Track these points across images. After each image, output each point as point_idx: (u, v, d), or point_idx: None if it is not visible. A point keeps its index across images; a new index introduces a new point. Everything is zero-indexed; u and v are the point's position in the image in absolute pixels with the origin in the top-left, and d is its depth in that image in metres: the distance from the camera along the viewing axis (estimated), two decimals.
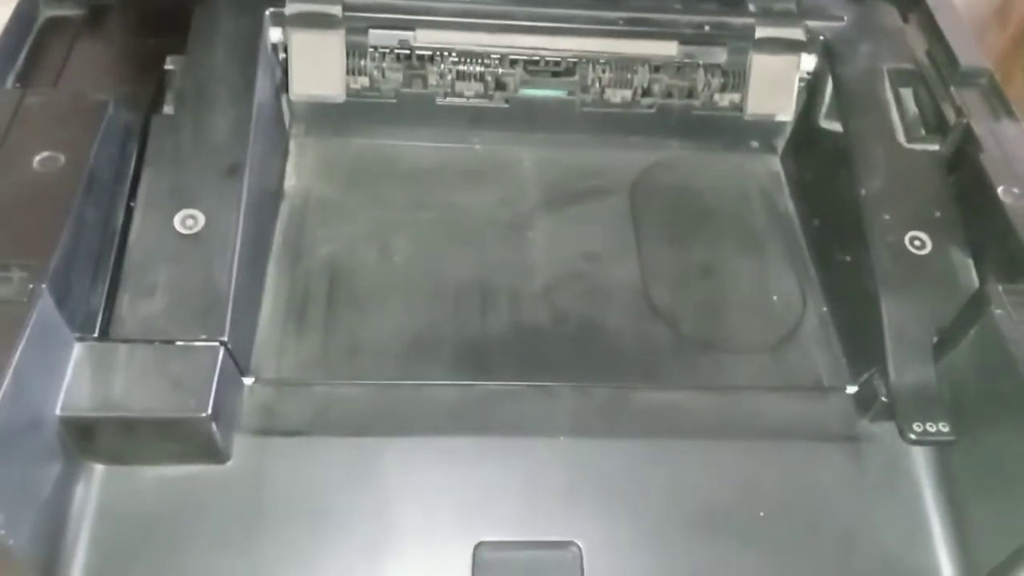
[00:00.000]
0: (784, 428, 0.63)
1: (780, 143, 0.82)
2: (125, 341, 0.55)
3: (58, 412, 0.52)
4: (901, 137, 0.71)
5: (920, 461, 0.61)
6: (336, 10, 0.73)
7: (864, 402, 0.63)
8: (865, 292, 0.64)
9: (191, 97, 0.66)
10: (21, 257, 0.52)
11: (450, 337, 0.66)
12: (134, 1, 0.75)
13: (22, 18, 0.72)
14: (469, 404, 0.62)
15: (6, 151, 0.58)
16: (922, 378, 0.60)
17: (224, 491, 0.57)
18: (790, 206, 0.79)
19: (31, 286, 0.51)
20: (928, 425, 0.59)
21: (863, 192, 0.67)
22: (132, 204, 0.62)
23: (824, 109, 0.77)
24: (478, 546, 0.57)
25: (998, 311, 0.57)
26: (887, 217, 0.66)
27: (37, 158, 0.58)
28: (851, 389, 0.64)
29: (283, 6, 0.73)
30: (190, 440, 0.55)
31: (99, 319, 0.57)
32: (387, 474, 0.58)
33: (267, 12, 0.73)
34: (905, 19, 0.81)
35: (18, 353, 0.48)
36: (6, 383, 0.47)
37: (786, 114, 0.80)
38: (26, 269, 0.52)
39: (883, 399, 0.61)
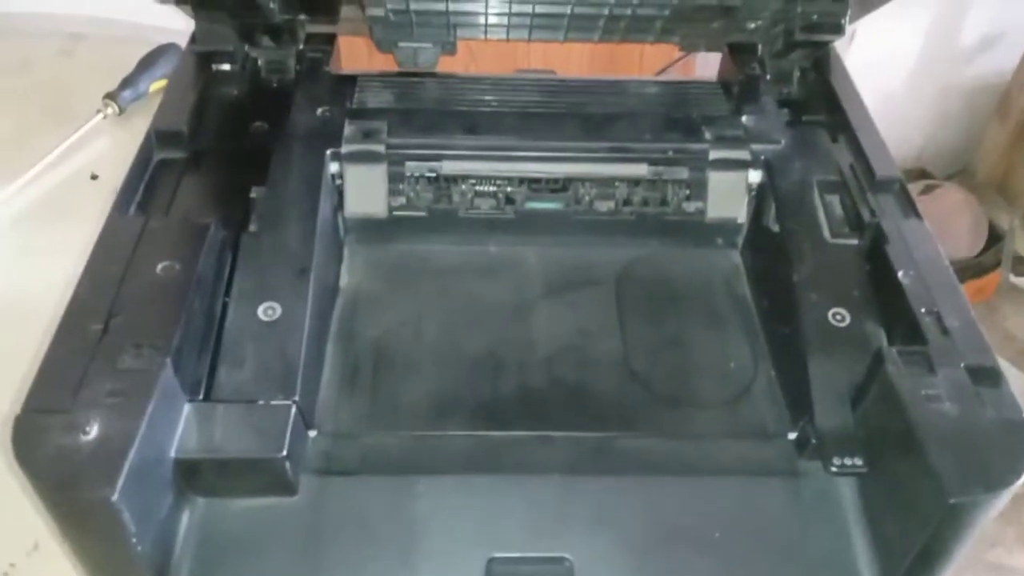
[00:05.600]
0: (737, 467, 0.74)
1: (739, 240, 0.96)
2: (222, 401, 0.68)
3: (173, 455, 0.65)
4: (826, 234, 0.84)
5: (845, 490, 0.72)
6: (381, 148, 0.89)
7: (800, 445, 0.74)
8: (798, 357, 0.76)
9: (270, 218, 0.82)
10: (150, 338, 0.67)
11: (468, 398, 0.79)
12: (227, 147, 0.91)
13: (141, 161, 0.87)
14: (483, 449, 0.74)
15: (136, 263, 0.73)
16: (841, 423, 0.72)
17: (293, 518, 0.69)
18: (747, 291, 0.92)
19: (157, 360, 0.65)
20: (846, 460, 0.70)
21: (795, 278, 0.80)
22: (227, 299, 0.76)
23: (770, 213, 0.90)
24: (490, 560, 0.68)
25: (891, 367, 0.69)
26: (814, 297, 0.79)
27: (159, 266, 0.73)
28: (791, 435, 0.76)
29: (340, 147, 0.89)
30: (268, 477, 0.68)
31: (203, 385, 0.70)
32: (418, 504, 0.70)
33: (328, 151, 0.89)
34: (835, 139, 0.95)
35: (150, 409, 0.62)
36: (143, 429, 0.61)
37: (740, 217, 0.94)
38: (154, 347, 0.66)
39: (814, 442, 0.73)
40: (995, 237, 2.19)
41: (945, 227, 2.09)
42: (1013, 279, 2.08)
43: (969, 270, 2.14)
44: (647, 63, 1.56)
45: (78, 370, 0.65)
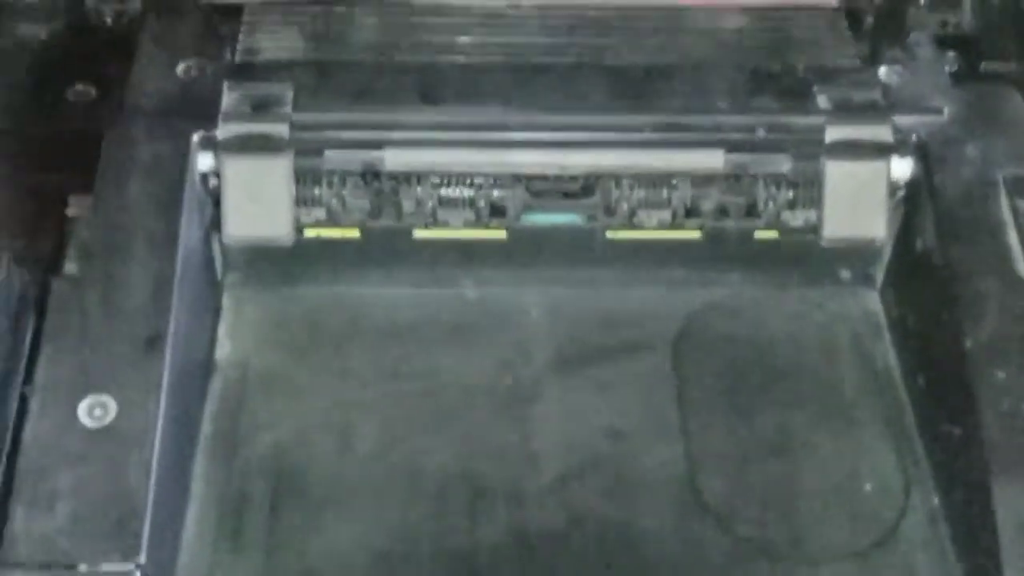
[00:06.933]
0: None
1: (877, 275, 0.96)
2: (18, 566, 0.67)
3: None
4: (1020, 267, 0.84)
5: None
6: (282, 130, 0.89)
7: None
8: (977, 477, 0.76)
9: (99, 250, 0.81)
10: None
11: (430, 551, 0.78)
12: (28, 129, 0.91)
13: None
14: None
15: None
16: None
17: None
18: (892, 359, 0.91)
19: None
20: None
21: (969, 343, 0.80)
22: (27, 390, 0.75)
23: (927, 231, 0.90)
24: None
25: None
26: (1002, 376, 0.78)
27: None
28: None
29: (214, 127, 0.89)
30: None
31: None
32: None
33: (195, 136, 0.88)
34: None
35: None
36: None
37: (879, 237, 0.93)
38: None
39: None
40: None
41: None
42: None
43: None
44: None
45: None
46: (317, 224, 0.92)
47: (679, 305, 0.94)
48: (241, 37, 0.99)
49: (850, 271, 0.96)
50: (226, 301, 0.93)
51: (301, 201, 0.91)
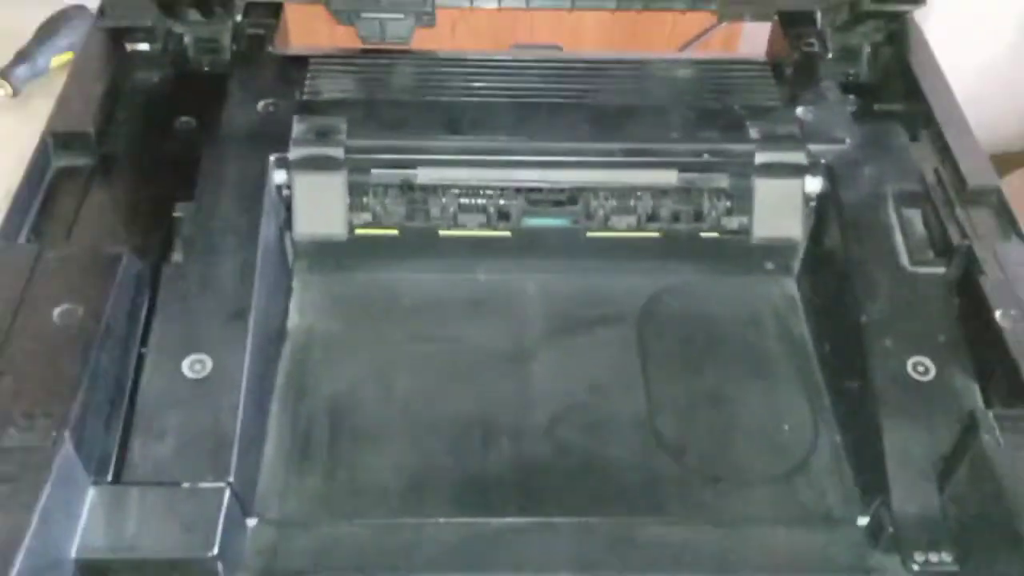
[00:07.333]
0: (793, 562, 0.74)
1: (794, 265, 0.96)
2: (136, 484, 0.68)
3: (74, 555, 0.64)
4: (904, 260, 0.85)
5: None
6: (338, 153, 0.90)
7: (874, 533, 0.74)
8: (870, 420, 0.77)
9: (198, 244, 0.83)
10: (44, 405, 0.67)
11: (451, 473, 0.79)
12: (144, 151, 0.92)
13: (35, 171, 0.87)
14: (471, 540, 0.74)
15: (27, 306, 0.73)
16: (925, 507, 0.72)
17: None
18: (805, 331, 0.92)
19: (54, 433, 0.65)
20: (931, 555, 0.70)
21: (864, 318, 0.81)
22: (143, 351, 0.76)
23: (833, 233, 0.91)
24: None
25: (986, 436, 0.69)
26: (888, 343, 0.79)
27: (56, 311, 0.73)
28: (862, 520, 0.75)
29: (286, 150, 0.90)
30: None
31: (112, 463, 0.71)
32: None
33: (272, 156, 0.89)
34: (915, 137, 0.96)
35: (44, 497, 0.61)
36: (34, 524, 0.60)
37: (795, 237, 0.94)
38: (49, 417, 0.66)
39: (890, 530, 0.72)
40: None
41: None
42: None
43: None
44: (679, 37, 1.56)
45: None
46: (365, 225, 0.94)
47: (643, 288, 0.95)
48: (307, 81, 0.99)
49: (773, 263, 0.97)
50: (295, 283, 0.94)
51: (353, 207, 0.93)
